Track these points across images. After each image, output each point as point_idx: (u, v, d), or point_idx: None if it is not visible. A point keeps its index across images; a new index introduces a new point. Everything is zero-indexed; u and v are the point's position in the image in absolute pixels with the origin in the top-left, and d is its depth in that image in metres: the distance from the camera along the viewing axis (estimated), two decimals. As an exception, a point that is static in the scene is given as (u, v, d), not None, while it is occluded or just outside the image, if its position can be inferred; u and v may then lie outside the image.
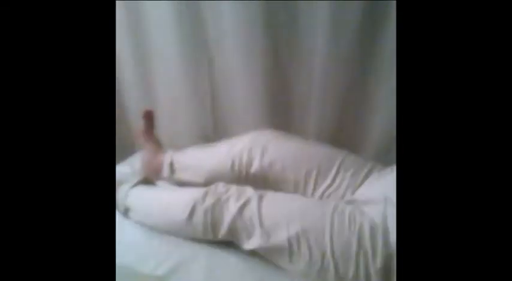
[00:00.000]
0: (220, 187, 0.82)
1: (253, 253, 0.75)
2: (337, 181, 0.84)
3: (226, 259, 0.77)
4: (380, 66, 1.00)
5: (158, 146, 1.10)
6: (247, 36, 1.04)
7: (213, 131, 1.28)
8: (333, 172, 0.85)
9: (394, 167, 0.85)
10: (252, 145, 0.91)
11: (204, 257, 0.78)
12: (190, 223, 0.79)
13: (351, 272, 0.64)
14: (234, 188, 0.81)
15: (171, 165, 1.02)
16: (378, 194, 0.74)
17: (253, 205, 0.75)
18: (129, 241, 0.84)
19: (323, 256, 0.66)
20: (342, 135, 1.13)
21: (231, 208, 0.76)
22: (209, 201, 0.78)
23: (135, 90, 1.33)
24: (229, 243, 0.78)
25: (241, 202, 0.76)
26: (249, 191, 0.79)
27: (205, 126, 1.27)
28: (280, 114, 1.16)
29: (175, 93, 1.25)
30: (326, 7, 0.94)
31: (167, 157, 1.03)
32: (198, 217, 0.78)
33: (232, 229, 0.75)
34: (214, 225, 0.77)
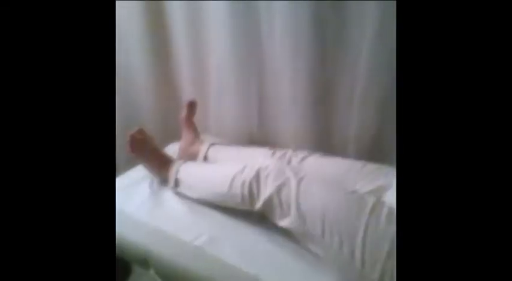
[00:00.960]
0: (261, 162, 0.86)
1: (285, 233, 0.80)
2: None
3: (259, 239, 0.83)
4: None
5: (196, 134, 1.18)
6: (295, 34, 1.06)
7: (258, 125, 1.32)
8: (351, 183, 0.86)
9: None
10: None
11: (238, 235, 0.85)
12: (229, 194, 0.86)
13: (376, 275, 0.64)
14: (274, 165, 0.84)
15: (206, 158, 1.08)
16: None
17: (292, 187, 0.77)
18: (175, 211, 0.95)
19: (352, 253, 0.67)
20: (383, 134, 1.13)
21: (269, 185, 0.80)
22: (248, 174, 0.84)
23: (189, 83, 1.42)
24: (264, 225, 0.84)
25: (280, 180, 0.79)
26: (288, 171, 0.82)
27: (251, 119, 1.32)
28: (323, 112, 1.18)
29: (225, 86, 1.30)
30: (375, 7, 0.94)
31: (203, 148, 1.10)
32: (237, 188, 0.84)
33: (268, 205, 0.79)
34: (252, 197, 0.82)
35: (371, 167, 0.92)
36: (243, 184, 0.83)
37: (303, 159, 0.96)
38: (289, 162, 0.96)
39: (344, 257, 0.68)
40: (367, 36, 0.99)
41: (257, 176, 0.82)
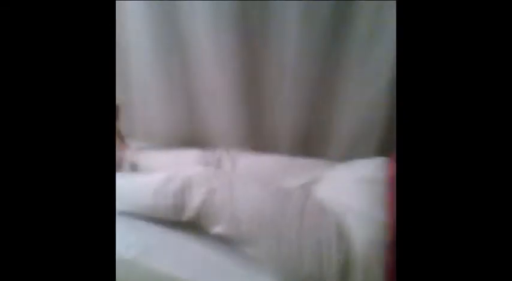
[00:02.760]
0: (188, 170, 0.84)
1: (218, 239, 0.78)
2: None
3: (192, 245, 0.80)
4: (347, 63, 1.01)
5: (121, 140, 1.12)
6: (217, 28, 1.05)
7: (187, 125, 1.29)
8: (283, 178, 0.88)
9: (348, 164, 0.88)
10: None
11: (171, 242, 0.81)
12: (155, 205, 0.81)
13: (312, 267, 0.66)
14: (203, 172, 0.83)
15: (133, 164, 1.03)
16: (335, 194, 0.77)
17: (221, 192, 0.77)
18: None
19: (287, 249, 0.68)
20: (312, 127, 1.15)
21: (197, 193, 0.77)
22: (174, 184, 0.80)
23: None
24: (196, 229, 0.81)
25: (209, 187, 0.78)
26: (216, 178, 0.81)
27: (179, 119, 1.29)
28: (252, 106, 1.17)
29: (149, 84, 1.26)
30: (296, 5, 0.95)
31: (129, 155, 1.05)
32: (162, 199, 0.80)
33: (199, 213, 0.77)
34: (181, 207, 0.79)
35: (300, 161, 0.95)
36: (169, 195, 0.80)
37: (234, 159, 0.95)
38: (219, 164, 0.94)
39: (280, 255, 0.69)
40: (290, 31, 0.99)
41: (183, 186, 0.79)
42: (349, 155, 1.06)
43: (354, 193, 0.76)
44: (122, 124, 1.15)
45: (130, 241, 0.81)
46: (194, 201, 0.78)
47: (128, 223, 0.86)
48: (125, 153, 1.06)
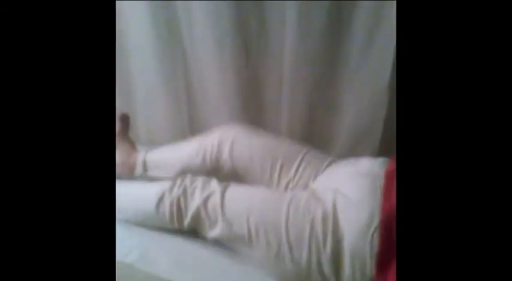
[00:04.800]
0: (187, 179, 0.87)
1: (216, 242, 0.80)
2: (299, 172, 0.89)
3: (191, 248, 0.82)
4: (345, 67, 1.02)
5: (132, 146, 1.15)
6: (218, 37, 1.07)
7: (189, 127, 1.31)
8: (296, 164, 0.90)
9: (351, 160, 0.90)
10: (221, 140, 0.96)
11: (170, 247, 0.83)
12: (157, 213, 0.84)
13: (304, 257, 0.69)
14: (199, 180, 0.85)
15: (144, 163, 1.06)
16: (331, 184, 0.79)
17: (216, 197, 0.79)
18: None
19: (279, 243, 0.71)
20: (312, 130, 1.16)
21: (196, 199, 0.81)
22: (176, 192, 0.83)
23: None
24: (195, 234, 0.83)
25: (206, 193, 0.81)
26: (214, 183, 0.83)
27: (181, 121, 1.31)
28: (253, 111, 1.19)
29: (151, 90, 1.28)
30: (294, 7, 0.96)
31: (140, 156, 1.08)
32: (165, 207, 0.83)
33: (196, 219, 0.80)
34: (180, 215, 0.82)
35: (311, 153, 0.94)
36: (172, 202, 0.83)
37: (232, 145, 0.95)
38: (219, 150, 0.95)
39: (272, 252, 0.71)
40: (288, 35, 1.01)
41: (185, 193, 0.83)
42: (349, 156, 1.07)
43: (349, 182, 0.77)
44: (130, 132, 1.19)
45: (130, 245, 0.82)
46: (192, 206, 0.81)
47: (128, 228, 0.87)
48: (137, 156, 1.09)
